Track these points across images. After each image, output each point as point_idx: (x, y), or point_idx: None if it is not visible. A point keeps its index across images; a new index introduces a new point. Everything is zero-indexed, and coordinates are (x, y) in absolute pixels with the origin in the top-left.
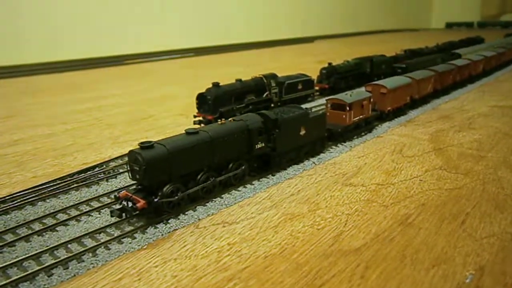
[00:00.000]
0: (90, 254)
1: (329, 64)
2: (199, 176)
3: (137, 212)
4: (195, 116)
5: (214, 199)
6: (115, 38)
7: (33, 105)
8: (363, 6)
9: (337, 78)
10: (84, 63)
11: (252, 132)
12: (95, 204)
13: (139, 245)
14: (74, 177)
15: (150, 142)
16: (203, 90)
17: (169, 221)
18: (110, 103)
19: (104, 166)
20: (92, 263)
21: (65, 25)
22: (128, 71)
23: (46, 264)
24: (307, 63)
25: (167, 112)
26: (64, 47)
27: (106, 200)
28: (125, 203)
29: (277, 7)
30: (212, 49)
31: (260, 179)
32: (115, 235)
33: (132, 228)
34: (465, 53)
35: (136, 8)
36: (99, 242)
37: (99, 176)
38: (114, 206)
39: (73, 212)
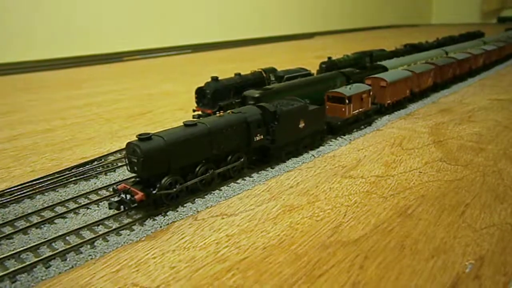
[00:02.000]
0: (88, 246)
1: (329, 58)
2: (197, 168)
3: (136, 204)
4: (194, 111)
5: (212, 192)
6: (114, 35)
7: (33, 101)
8: (363, 2)
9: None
10: (84, 60)
11: (251, 124)
12: (94, 197)
13: (137, 237)
14: (73, 171)
15: (148, 134)
16: (202, 85)
17: (168, 213)
18: (109, 98)
19: (103, 160)
20: (90, 255)
21: (64, 22)
22: (127, 67)
23: (44, 256)
24: (307, 59)
25: (166, 107)
26: (64, 44)
27: (104, 193)
28: (123, 195)
29: (276, 3)
30: (211, 45)
31: (259, 172)
32: (114, 227)
33: (131, 220)
34: (402, 64)
35: (135, 5)
36: (97, 234)
37: (98, 169)
38: (112, 199)
39: (72, 205)
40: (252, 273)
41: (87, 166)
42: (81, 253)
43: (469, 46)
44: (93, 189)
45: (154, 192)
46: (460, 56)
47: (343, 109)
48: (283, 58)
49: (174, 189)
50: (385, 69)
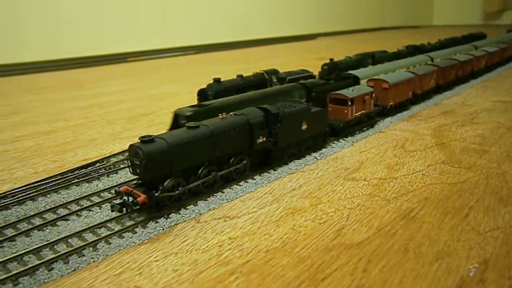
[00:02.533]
0: (91, 249)
1: (331, 60)
2: (200, 171)
3: (138, 206)
4: None
5: (215, 194)
6: (116, 36)
7: (35, 102)
8: (365, 3)
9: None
10: (86, 61)
11: (254, 126)
12: (96, 199)
13: (140, 240)
14: (75, 172)
15: (150, 136)
16: (205, 87)
17: (170, 215)
18: (111, 100)
19: (105, 162)
20: (92, 258)
21: (67, 23)
22: (130, 68)
23: (47, 259)
24: (309, 60)
25: (169, 108)
26: (66, 45)
27: (107, 195)
28: (125, 197)
29: (278, 4)
30: (213, 46)
31: (262, 174)
32: (116, 229)
33: (133, 222)
34: (378, 72)
35: (138, 6)
36: (100, 237)
37: (100, 171)
38: (114, 201)
39: (74, 207)
40: (255, 276)
41: (89, 168)
42: (84, 255)
43: (459, 51)
44: (96, 191)
45: (156, 194)
46: (462, 58)
47: (346, 111)
48: (285, 60)
49: (177, 192)
50: (356, 79)
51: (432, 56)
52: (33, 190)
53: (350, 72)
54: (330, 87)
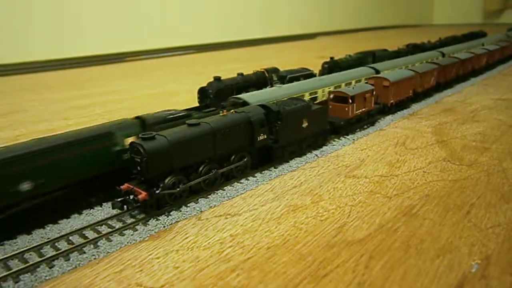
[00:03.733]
0: (92, 246)
1: (331, 58)
2: (201, 168)
3: (139, 204)
4: None
5: (216, 191)
6: (116, 36)
7: (35, 102)
8: (365, 2)
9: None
10: (86, 60)
11: (254, 124)
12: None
13: (140, 237)
14: None
15: (151, 133)
16: (205, 85)
17: (171, 213)
18: (111, 99)
19: None
20: (93, 255)
21: (67, 23)
22: (130, 68)
23: (47, 256)
24: (309, 59)
25: (169, 107)
26: (66, 45)
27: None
28: (126, 195)
29: (278, 3)
30: (213, 46)
31: (263, 172)
32: (117, 227)
33: (134, 220)
34: (280, 95)
35: (137, 5)
36: (101, 234)
37: None
38: (115, 199)
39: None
40: (257, 273)
41: None
42: (85, 253)
43: (419, 60)
44: None
45: (157, 191)
46: (463, 56)
47: (346, 109)
48: (286, 59)
49: (177, 189)
50: (245, 105)
51: (379, 69)
52: None
53: (240, 96)
54: (183, 123)
